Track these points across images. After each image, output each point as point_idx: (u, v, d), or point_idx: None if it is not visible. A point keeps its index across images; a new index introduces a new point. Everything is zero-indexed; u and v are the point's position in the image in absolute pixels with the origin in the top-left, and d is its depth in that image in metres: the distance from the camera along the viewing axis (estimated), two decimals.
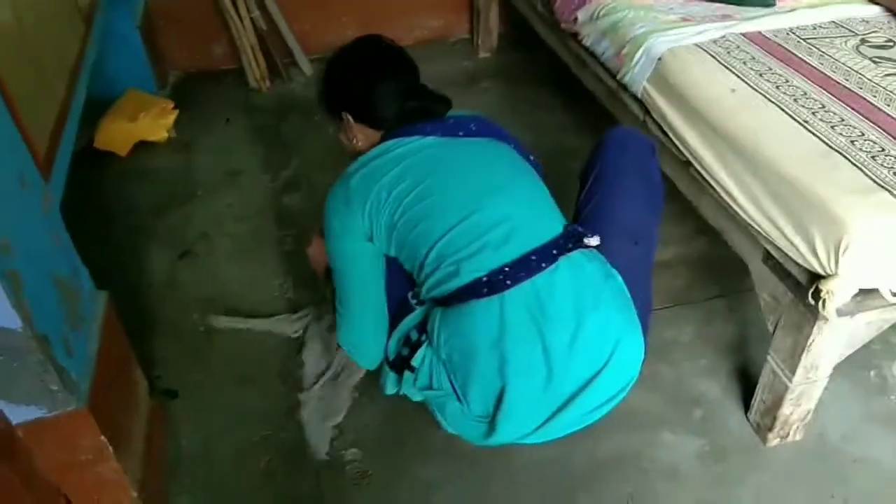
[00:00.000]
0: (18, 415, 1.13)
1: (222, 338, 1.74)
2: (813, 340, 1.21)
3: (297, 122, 2.58)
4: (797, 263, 1.15)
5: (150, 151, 2.43)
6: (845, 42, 1.48)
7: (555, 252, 1.19)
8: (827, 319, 1.12)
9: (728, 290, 1.80)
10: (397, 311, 1.35)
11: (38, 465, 1.22)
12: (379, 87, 1.35)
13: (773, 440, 1.42)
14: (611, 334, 1.18)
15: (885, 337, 1.65)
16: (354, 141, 1.41)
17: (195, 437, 1.52)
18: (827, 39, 1.49)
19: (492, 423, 1.20)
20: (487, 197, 1.24)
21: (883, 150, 1.16)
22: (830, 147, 1.17)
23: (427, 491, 1.39)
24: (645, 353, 1.24)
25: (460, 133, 1.33)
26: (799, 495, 1.36)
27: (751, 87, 1.33)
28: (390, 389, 1.34)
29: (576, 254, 1.21)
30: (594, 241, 1.24)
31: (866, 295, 1.11)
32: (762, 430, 1.43)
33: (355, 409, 1.55)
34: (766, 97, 1.30)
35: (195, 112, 2.61)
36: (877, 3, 1.61)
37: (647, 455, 1.44)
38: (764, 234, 1.21)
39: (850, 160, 1.14)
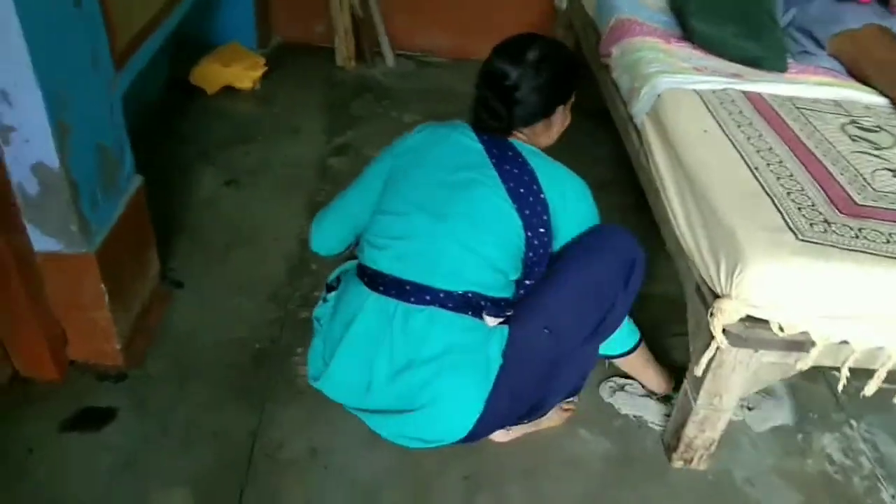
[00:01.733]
0: (42, 243, 1.40)
1: (237, 254, 1.98)
2: (716, 366, 1.32)
3: (367, 101, 2.85)
4: (709, 287, 1.27)
5: (233, 96, 2.75)
6: (836, 118, 1.57)
7: (427, 298, 1.25)
8: (718, 343, 1.23)
9: None
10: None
11: (49, 295, 1.48)
12: None
13: (677, 462, 1.51)
14: (427, 393, 1.25)
15: (826, 410, 1.72)
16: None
17: (185, 323, 1.76)
18: (820, 113, 1.59)
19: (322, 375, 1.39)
20: (428, 215, 1.29)
21: (813, 205, 1.27)
22: (766, 192, 1.29)
23: (356, 419, 1.56)
24: (487, 427, 1.31)
25: (495, 161, 1.32)
26: None
27: (724, 132, 1.46)
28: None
29: (451, 315, 1.25)
30: (491, 321, 1.27)
31: (755, 324, 1.21)
32: (669, 450, 1.53)
33: None
34: (732, 142, 1.43)
35: (283, 74, 2.93)
36: (886, 96, 1.69)
37: (557, 442, 1.56)
38: (689, 254, 1.33)
39: (776, 206, 1.25)
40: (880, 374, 1.27)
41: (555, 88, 1.36)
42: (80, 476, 1.39)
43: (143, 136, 2.32)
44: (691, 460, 1.51)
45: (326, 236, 1.53)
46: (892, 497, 1.53)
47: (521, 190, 1.29)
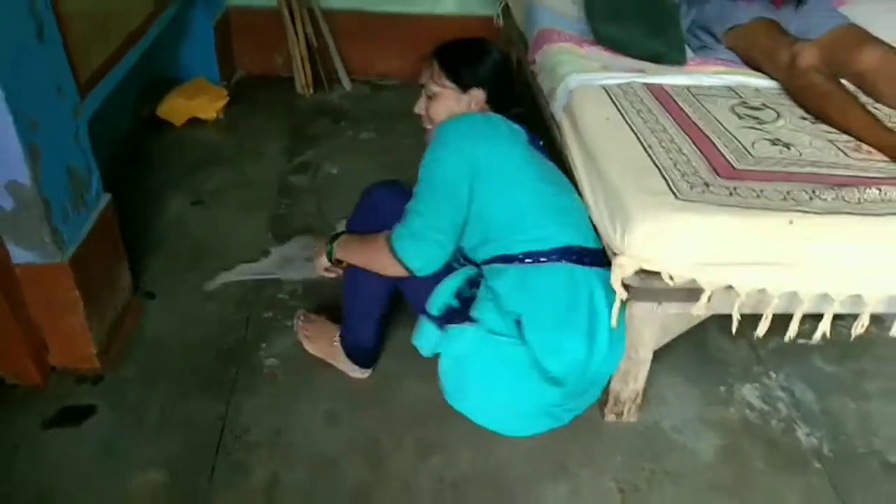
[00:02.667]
0: (20, 256, 1.56)
1: (204, 266, 2.14)
2: (627, 320, 1.48)
3: (325, 123, 3.04)
4: (612, 251, 1.44)
5: (199, 127, 2.93)
6: (727, 101, 1.77)
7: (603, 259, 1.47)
8: (619, 296, 1.39)
9: None
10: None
11: (29, 305, 1.63)
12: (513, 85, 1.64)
13: (609, 415, 1.67)
14: (620, 349, 1.52)
15: (747, 365, 1.89)
16: (470, 107, 1.58)
17: (157, 329, 1.91)
18: (713, 97, 1.78)
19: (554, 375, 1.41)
20: (571, 195, 1.55)
21: (696, 172, 1.45)
22: (655, 164, 1.46)
23: (317, 402, 1.71)
24: None
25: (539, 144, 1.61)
26: (615, 459, 1.60)
27: (624, 118, 1.65)
28: (428, 348, 1.47)
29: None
30: None
31: (650, 276, 1.38)
32: (601, 405, 1.68)
33: (286, 332, 1.90)
34: (630, 126, 1.61)
35: (246, 104, 3.12)
36: (773, 79, 1.89)
37: None
38: (597, 226, 1.50)
39: (663, 175, 1.43)
40: (767, 315, 1.44)
41: None
42: (63, 466, 1.53)
43: (116, 167, 2.50)
44: (622, 413, 1.67)
45: (442, 254, 1.43)
46: (807, 435, 1.69)
47: None
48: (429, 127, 1.62)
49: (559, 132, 1.88)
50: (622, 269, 1.36)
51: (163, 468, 1.53)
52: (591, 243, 1.49)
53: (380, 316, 1.71)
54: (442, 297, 1.44)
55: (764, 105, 1.75)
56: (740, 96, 1.81)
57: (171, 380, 1.75)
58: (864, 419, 1.74)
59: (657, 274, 1.38)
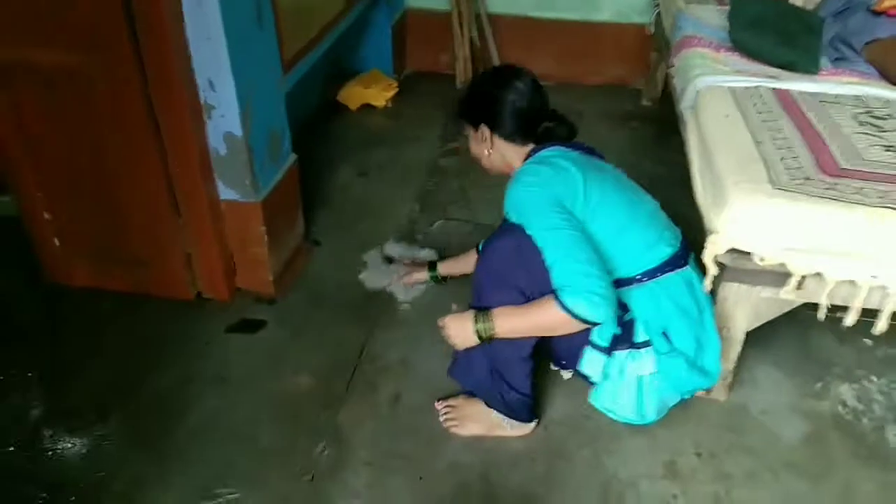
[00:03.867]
0: (225, 194, 1.98)
1: (361, 224, 2.52)
2: (721, 299, 1.63)
3: None
4: (711, 231, 1.60)
5: (370, 112, 3.35)
6: (852, 109, 1.83)
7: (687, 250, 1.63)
8: (712, 271, 1.55)
9: None
10: None
11: (227, 234, 2.06)
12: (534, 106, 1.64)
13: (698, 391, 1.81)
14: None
15: (850, 366, 1.94)
16: (493, 154, 1.66)
17: (320, 269, 2.30)
18: (838, 105, 1.85)
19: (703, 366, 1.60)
20: (645, 198, 1.65)
21: (800, 167, 1.57)
22: (762, 158, 1.60)
23: (437, 341, 1.96)
24: None
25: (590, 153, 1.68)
26: (697, 428, 1.75)
27: (742, 116, 1.78)
28: (598, 374, 1.60)
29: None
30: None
31: (742, 256, 1.52)
32: None
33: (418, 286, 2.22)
34: (746, 123, 1.74)
35: (411, 95, 3.51)
36: None
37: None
38: (702, 212, 1.66)
39: (766, 167, 1.56)
40: (856, 307, 1.53)
41: None
42: (238, 362, 1.94)
43: (302, 138, 2.96)
44: (710, 389, 1.80)
45: (612, 290, 1.41)
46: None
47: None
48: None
49: (685, 129, 2.04)
50: (714, 245, 1.52)
51: (311, 375, 1.89)
52: (678, 243, 1.60)
53: (532, 359, 1.60)
54: (607, 326, 1.53)
55: (889, 115, 1.81)
56: (867, 105, 1.87)
57: (327, 309, 2.13)
58: None
59: (749, 255, 1.52)
